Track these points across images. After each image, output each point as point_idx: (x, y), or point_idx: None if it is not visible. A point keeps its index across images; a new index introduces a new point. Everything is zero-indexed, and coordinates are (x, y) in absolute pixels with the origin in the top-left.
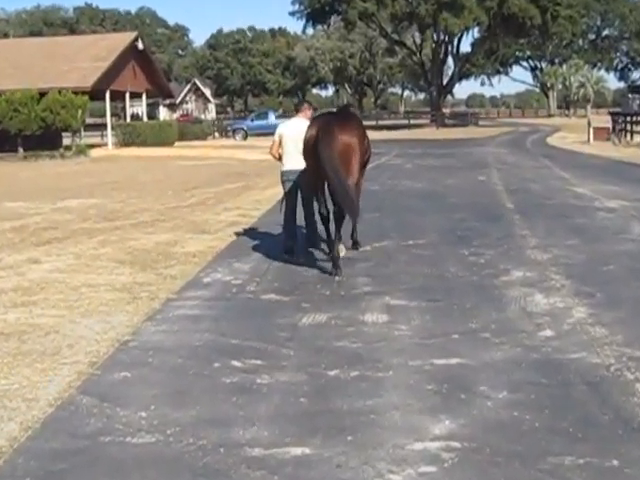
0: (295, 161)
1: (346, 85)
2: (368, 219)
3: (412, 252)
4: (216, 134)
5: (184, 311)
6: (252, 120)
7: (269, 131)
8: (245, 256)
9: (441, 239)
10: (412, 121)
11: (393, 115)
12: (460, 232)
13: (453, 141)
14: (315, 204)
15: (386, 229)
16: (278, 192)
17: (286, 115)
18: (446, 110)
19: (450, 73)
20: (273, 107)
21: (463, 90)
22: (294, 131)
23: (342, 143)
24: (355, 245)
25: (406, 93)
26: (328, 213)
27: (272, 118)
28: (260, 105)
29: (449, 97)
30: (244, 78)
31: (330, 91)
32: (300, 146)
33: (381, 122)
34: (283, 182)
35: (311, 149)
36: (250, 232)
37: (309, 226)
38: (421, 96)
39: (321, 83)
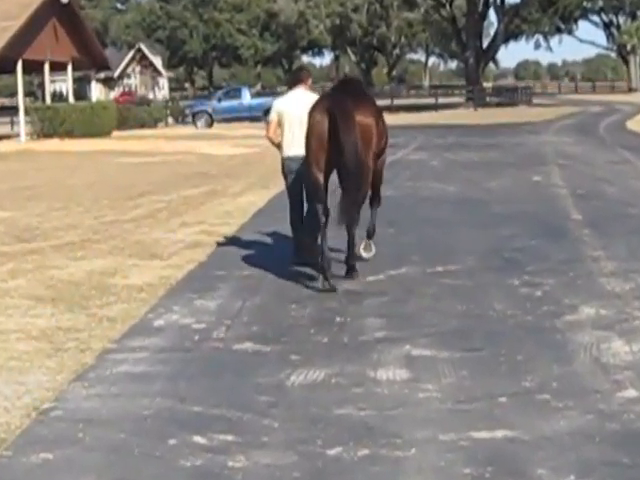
0: (301, 145)
1: (349, 50)
2: (380, 236)
3: (441, 282)
4: (170, 120)
5: (127, 367)
6: (219, 100)
7: (243, 115)
8: (211, 290)
9: (481, 264)
10: (440, 99)
11: (414, 91)
12: (508, 254)
13: (497, 127)
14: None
15: (405, 250)
16: (257, 199)
17: (266, 92)
18: (487, 84)
19: (492, 32)
20: (248, 82)
21: (511, 56)
22: (298, 107)
23: (360, 125)
24: (350, 273)
25: (432, 61)
26: (327, 218)
27: (247, 97)
28: (230, 79)
29: (491, 66)
30: (208, 42)
31: (327, 58)
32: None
33: (398, 101)
34: (285, 173)
35: (320, 137)
36: (218, 256)
37: (309, 226)
38: (452, 64)
39: (314, 48)
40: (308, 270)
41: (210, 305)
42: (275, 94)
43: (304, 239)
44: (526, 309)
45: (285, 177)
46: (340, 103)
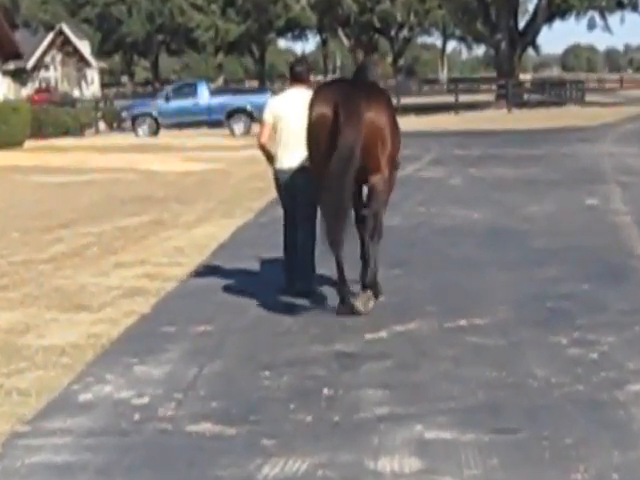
0: (299, 155)
1: (340, 33)
2: (383, 280)
3: (464, 341)
4: (102, 125)
5: (44, 456)
6: (168, 99)
7: (199, 119)
8: (156, 352)
9: (517, 316)
10: (462, 97)
11: (427, 87)
12: (552, 303)
13: (538, 133)
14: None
15: (416, 298)
16: (218, 231)
17: (230, 89)
18: (525, 77)
19: (532, 8)
20: (206, 75)
21: (556, 39)
22: (298, 108)
23: (370, 124)
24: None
25: (451, 46)
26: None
27: (204, 95)
28: (182, 71)
29: (530, 53)
30: (152, 21)
31: (312, 43)
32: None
33: (406, 100)
34: (280, 188)
35: (320, 135)
36: (165, 307)
37: (306, 254)
38: (479, 51)
39: (295, 29)
40: (288, 317)
41: (155, 373)
42: (242, 91)
43: (299, 275)
44: (577, 376)
45: (279, 191)
46: (346, 97)
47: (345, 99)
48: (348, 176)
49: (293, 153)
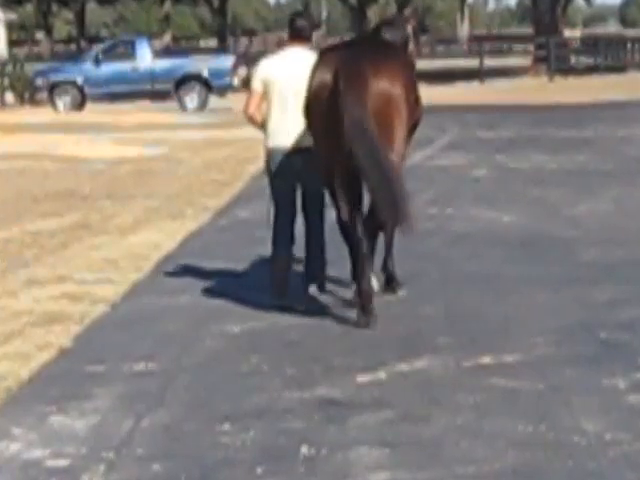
0: (296, 130)
1: None
2: (381, 302)
3: (489, 384)
4: (9, 96)
5: None
6: (97, 62)
7: (140, 88)
8: (80, 398)
9: (559, 351)
10: (489, 61)
11: (443, 47)
12: (607, 334)
13: (589, 110)
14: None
15: (426, 328)
16: (163, 238)
17: (179, 50)
18: (572, 34)
19: None
20: (147, 31)
21: None
22: (294, 73)
23: (379, 95)
24: (391, 283)
25: None
26: (354, 221)
27: (146, 57)
28: (116, 26)
29: (579, 2)
30: None
31: None
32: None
33: (419, 63)
34: (270, 170)
35: (323, 108)
36: (92, 338)
37: (314, 251)
38: (510, 1)
39: None
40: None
41: (78, 425)
42: (196, 53)
43: (307, 273)
44: (639, 432)
45: (270, 176)
46: (349, 61)
47: (348, 65)
48: (375, 149)
49: (291, 128)
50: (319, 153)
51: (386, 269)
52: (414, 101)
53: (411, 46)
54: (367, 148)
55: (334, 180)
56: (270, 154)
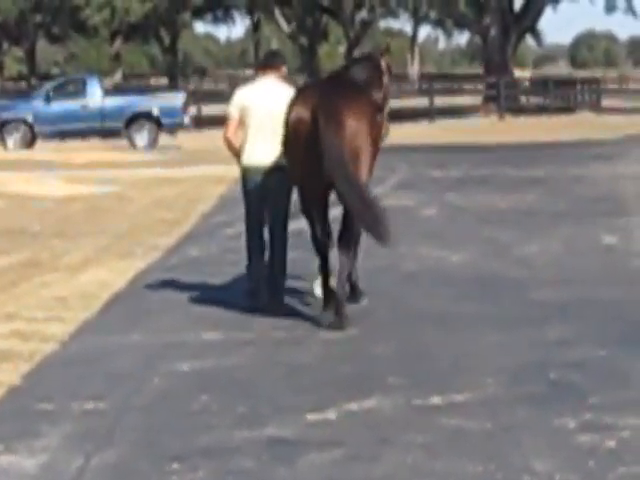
0: (270, 151)
1: (277, 13)
2: (333, 343)
3: (440, 424)
4: None
5: None
6: (47, 100)
7: (89, 126)
8: (29, 436)
9: (510, 391)
10: (439, 100)
11: (393, 86)
12: (557, 373)
13: (540, 149)
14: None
15: (377, 367)
16: (113, 276)
17: (130, 88)
18: (523, 74)
19: None
20: (98, 68)
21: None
22: (268, 100)
23: (351, 131)
24: (354, 292)
25: (424, 32)
26: (327, 239)
27: (96, 94)
28: (68, 63)
29: (529, 42)
30: None
31: (239, 28)
32: (279, 126)
33: None
34: (246, 188)
35: (300, 140)
36: (41, 376)
37: (281, 265)
38: (461, 39)
39: (217, 8)
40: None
41: (26, 464)
42: (146, 91)
43: (268, 282)
44: (589, 472)
45: (245, 189)
46: (326, 98)
47: (325, 104)
48: (352, 177)
49: (263, 148)
50: (295, 180)
51: (350, 279)
52: (376, 133)
53: (385, 79)
54: (345, 176)
55: (309, 204)
56: (245, 172)
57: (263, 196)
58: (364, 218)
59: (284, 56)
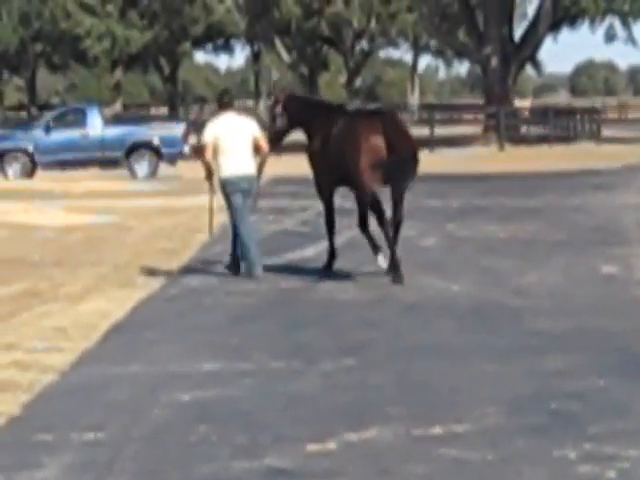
0: (246, 164)
1: (278, 43)
2: (332, 374)
3: (439, 455)
4: None
5: None
6: (47, 130)
7: (90, 156)
8: (28, 468)
9: (510, 421)
10: (439, 130)
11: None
12: (557, 404)
13: (539, 178)
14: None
15: (376, 398)
16: (112, 306)
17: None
18: (523, 103)
19: (531, 13)
20: (99, 98)
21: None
22: (232, 127)
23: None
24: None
25: (424, 62)
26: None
27: (96, 124)
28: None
29: (529, 71)
30: (28, 25)
31: (239, 57)
32: (249, 145)
33: None
34: (227, 192)
35: (380, 157)
36: (41, 406)
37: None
38: (461, 69)
39: (217, 38)
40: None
41: None
42: (147, 120)
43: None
44: None
45: (228, 196)
46: (392, 124)
47: (393, 127)
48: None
49: (237, 164)
50: (365, 180)
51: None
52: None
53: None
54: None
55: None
56: (225, 182)
57: (244, 193)
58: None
59: (233, 94)
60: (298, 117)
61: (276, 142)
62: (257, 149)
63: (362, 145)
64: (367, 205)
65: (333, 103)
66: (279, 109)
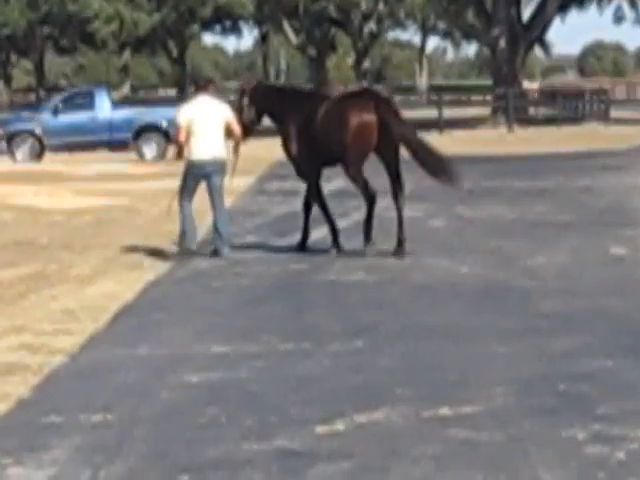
0: (215, 147)
1: (286, 25)
2: (340, 355)
3: (448, 435)
4: None
5: None
6: (56, 112)
7: (98, 138)
8: (37, 449)
9: (519, 402)
10: (448, 112)
11: (401, 97)
12: (566, 385)
13: (548, 160)
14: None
15: (384, 379)
16: (122, 288)
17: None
18: (531, 85)
19: None
20: (107, 80)
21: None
22: (212, 111)
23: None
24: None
25: (432, 44)
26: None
27: (105, 107)
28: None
29: (538, 53)
30: (35, 9)
31: (247, 39)
32: (220, 128)
33: None
34: (188, 173)
35: (375, 134)
36: (50, 388)
37: (222, 222)
38: (469, 50)
39: (225, 20)
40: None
41: (35, 477)
42: (155, 103)
43: (225, 232)
44: None
45: (190, 177)
46: (383, 103)
47: (383, 105)
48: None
49: (206, 147)
50: (357, 162)
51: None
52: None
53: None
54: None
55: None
56: (191, 164)
57: (200, 179)
58: (437, 168)
59: (211, 79)
60: (266, 106)
61: (248, 133)
62: (229, 133)
63: (355, 125)
64: (363, 181)
65: (304, 89)
66: (246, 100)
